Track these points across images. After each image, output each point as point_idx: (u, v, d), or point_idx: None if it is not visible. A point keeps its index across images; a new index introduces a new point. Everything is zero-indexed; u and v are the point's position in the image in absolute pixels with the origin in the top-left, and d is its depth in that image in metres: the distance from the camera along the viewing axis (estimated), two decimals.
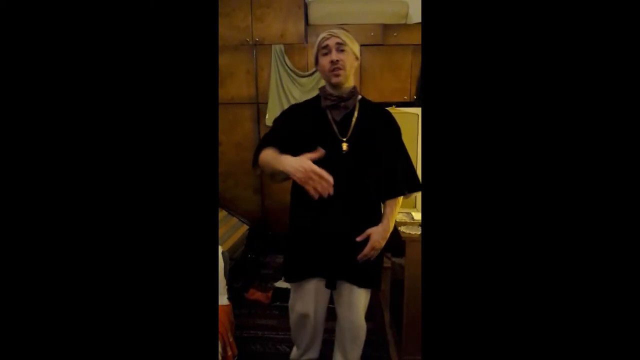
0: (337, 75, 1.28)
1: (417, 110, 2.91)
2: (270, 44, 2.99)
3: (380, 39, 2.96)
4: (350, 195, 1.31)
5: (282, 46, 2.98)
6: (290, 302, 1.50)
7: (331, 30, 1.29)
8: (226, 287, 1.80)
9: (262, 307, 2.37)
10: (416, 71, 2.98)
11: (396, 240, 1.83)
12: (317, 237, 1.34)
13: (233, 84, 3.09)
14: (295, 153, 1.22)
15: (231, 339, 1.70)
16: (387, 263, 2.63)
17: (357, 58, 1.33)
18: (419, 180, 1.41)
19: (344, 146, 1.30)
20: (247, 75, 3.08)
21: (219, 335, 1.59)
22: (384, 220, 1.36)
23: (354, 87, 1.35)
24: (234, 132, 3.15)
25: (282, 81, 3.01)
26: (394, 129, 1.39)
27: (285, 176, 1.22)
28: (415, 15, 3.11)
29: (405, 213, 2.03)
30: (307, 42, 3.03)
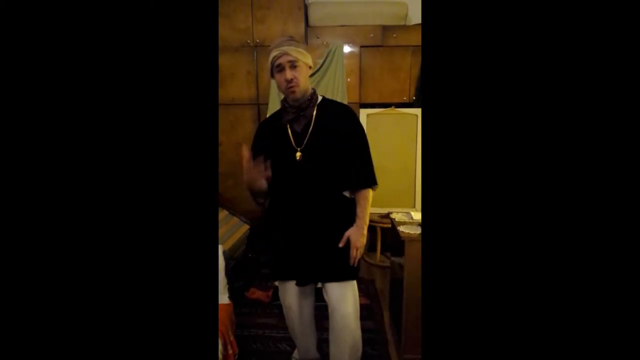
0: (293, 92, 1.35)
1: (417, 111, 2.91)
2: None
3: (380, 40, 2.96)
4: (308, 199, 1.40)
5: None
6: (279, 294, 1.63)
7: (281, 48, 1.32)
8: (227, 286, 1.80)
9: (262, 306, 2.37)
10: (415, 72, 2.98)
11: (396, 240, 1.83)
12: (286, 241, 1.45)
13: (234, 85, 3.10)
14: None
15: (232, 338, 1.71)
16: (386, 263, 2.63)
17: (310, 67, 1.39)
18: (374, 175, 1.47)
19: (297, 155, 1.40)
20: (247, 76, 3.08)
21: (220, 334, 1.60)
22: (357, 220, 1.43)
23: (312, 94, 1.42)
24: (234, 133, 3.15)
25: None
26: (354, 126, 1.44)
27: (262, 198, 1.49)
28: (415, 16, 3.11)
29: (405, 213, 2.04)
30: (307, 43, 3.03)
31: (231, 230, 2.73)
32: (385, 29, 2.95)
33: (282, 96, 3.24)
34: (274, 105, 3.04)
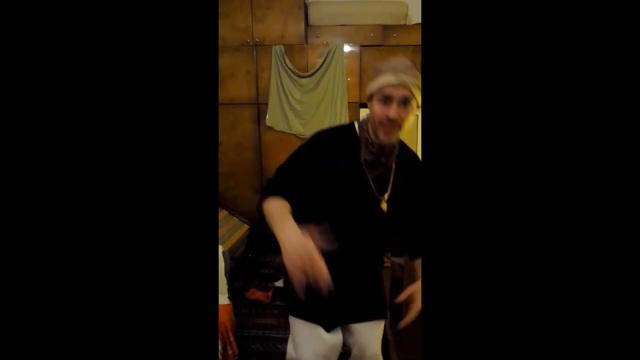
0: (388, 134, 1.02)
1: (417, 111, 2.91)
2: (271, 45, 2.99)
3: (380, 40, 2.97)
4: (374, 253, 1.17)
5: (282, 47, 2.98)
6: (298, 349, 1.19)
7: (401, 78, 0.98)
8: (227, 286, 1.81)
9: (262, 307, 2.37)
10: None
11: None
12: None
13: (233, 85, 3.10)
14: (318, 203, 1.06)
15: (232, 338, 1.71)
16: (387, 263, 2.63)
17: (418, 107, 1.03)
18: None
19: (384, 206, 1.09)
20: (247, 75, 3.09)
21: (220, 335, 1.60)
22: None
23: (399, 143, 1.13)
24: (234, 133, 3.16)
25: (282, 82, 3.02)
26: (419, 182, 1.17)
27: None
28: (415, 16, 3.11)
29: None
30: (307, 43, 3.03)
31: (231, 231, 2.73)
32: (386, 28, 2.96)
33: (283, 96, 3.07)
34: (273, 104, 3.04)
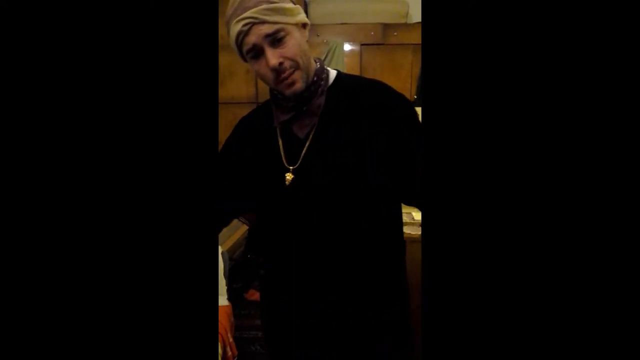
0: (291, 85, 0.83)
1: (418, 110, 2.91)
2: None
3: (381, 39, 2.96)
4: (314, 248, 0.87)
5: None
6: None
7: (243, 15, 0.76)
8: (226, 287, 1.80)
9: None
10: (416, 71, 2.98)
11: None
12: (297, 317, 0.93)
13: (233, 84, 3.09)
14: (240, 196, 0.91)
15: (231, 340, 1.71)
16: None
17: (304, 25, 0.85)
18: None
19: (288, 177, 0.87)
20: (247, 75, 3.08)
21: (219, 336, 1.60)
22: None
23: (319, 70, 0.88)
24: None
25: None
26: (399, 117, 0.94)
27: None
28: (416, 14, 3.11)
29: (406, 213, 2.04)
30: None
31: (230, 231, 2.73)
32: (386, 27, 2.95)
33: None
34: None
